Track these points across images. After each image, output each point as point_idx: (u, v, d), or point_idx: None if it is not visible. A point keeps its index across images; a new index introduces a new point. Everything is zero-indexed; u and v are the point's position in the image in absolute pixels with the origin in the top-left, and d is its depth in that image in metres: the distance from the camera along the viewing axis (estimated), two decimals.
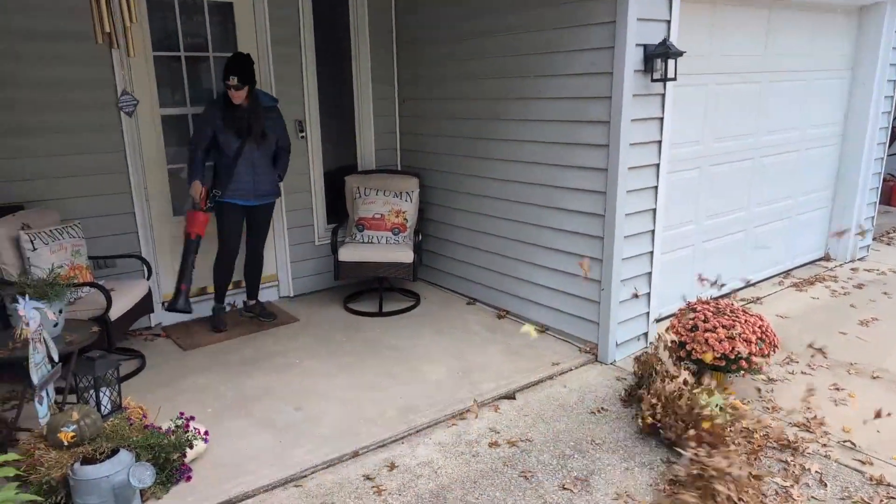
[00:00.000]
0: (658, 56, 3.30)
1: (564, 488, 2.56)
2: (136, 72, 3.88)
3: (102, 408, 2.69)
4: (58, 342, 2.71)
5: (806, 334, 3.90)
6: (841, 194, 5.33)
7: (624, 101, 3.28)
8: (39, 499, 2.20)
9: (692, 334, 3.10)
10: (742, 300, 4.49)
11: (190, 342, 3.99)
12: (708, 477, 2.33)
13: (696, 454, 2.41)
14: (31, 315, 2.44)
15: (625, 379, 3.44)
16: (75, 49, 3.58)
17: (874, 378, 3.40)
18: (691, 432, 2.57)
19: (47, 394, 2.51)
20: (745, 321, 3.10)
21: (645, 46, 3.30)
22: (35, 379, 2.42)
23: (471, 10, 4.16)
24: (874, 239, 5.80)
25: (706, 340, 3.04)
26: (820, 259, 5.45)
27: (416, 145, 4.94)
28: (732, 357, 3.00)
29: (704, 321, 3.11)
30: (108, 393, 2.72)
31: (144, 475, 2.22)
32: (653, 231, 3.67)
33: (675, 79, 3.34)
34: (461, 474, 2.66)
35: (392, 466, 2.71)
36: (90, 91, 3.72)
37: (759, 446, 2.71)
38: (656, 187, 3.61)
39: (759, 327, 3.10)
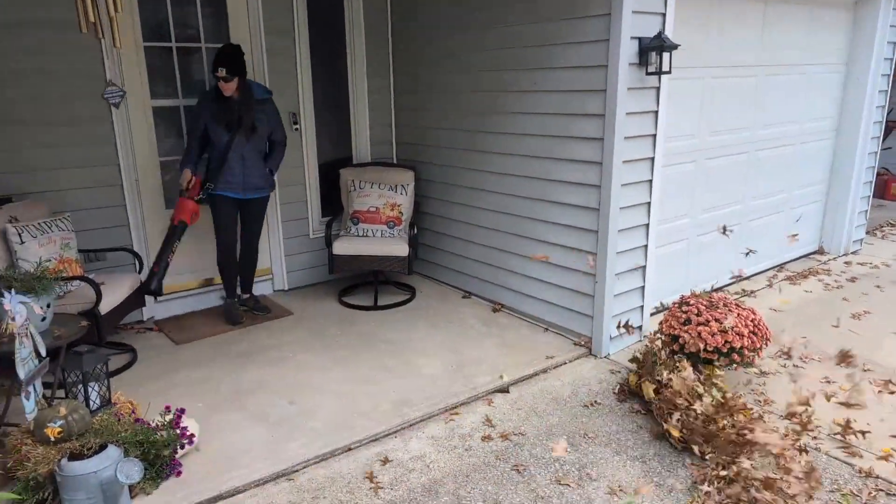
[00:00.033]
0: (653, 49, 3.28)
1: (557, 482, 2.56)
2: (127, 63, 3.83)
3: (91, 403, 2.67)
4: (46, 336, 2.69)
5: (799, 328, 3.91)
6: (835, 188, 5.34)
7: (619, 94, 3.27)
8: (19, 497, 2.18)
9: (685, 328, 3.10)
10: (735, 294, 4.50)
11: (183, 336, 3.96)
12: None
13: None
14: (18, 310, 2.42)
15: (619, 372, 3.44)
16: (63, 39, 3.54)
17: (865, 371, 3.41)
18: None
19: (34, 389, 2.49)
20: (738, 315, 3.10)
21: (640, 39, 3.29)
22: (22, 374, 2.40)
23: (467, 3, 4.12)
24: (868, 232, 5.82)
25: (699, 334, 3.04)
26: (814, 252, 5.46)
27: (412, 138, 4.91)
28: (725, 350, 3.01)
29: (698, 314, 3.11)
30: (96, 388, 2.69)
31: (132, 471, 2.20)
32: (647, 225, 3.67)
33: (670, 72, 3.33)
34: (453, 468, 2.66)
35: (385, 460, 2.70)
36: (79, 82, 3.67)
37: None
38: (651, 181, 3.60)
39: (752, 321, 3.11)
